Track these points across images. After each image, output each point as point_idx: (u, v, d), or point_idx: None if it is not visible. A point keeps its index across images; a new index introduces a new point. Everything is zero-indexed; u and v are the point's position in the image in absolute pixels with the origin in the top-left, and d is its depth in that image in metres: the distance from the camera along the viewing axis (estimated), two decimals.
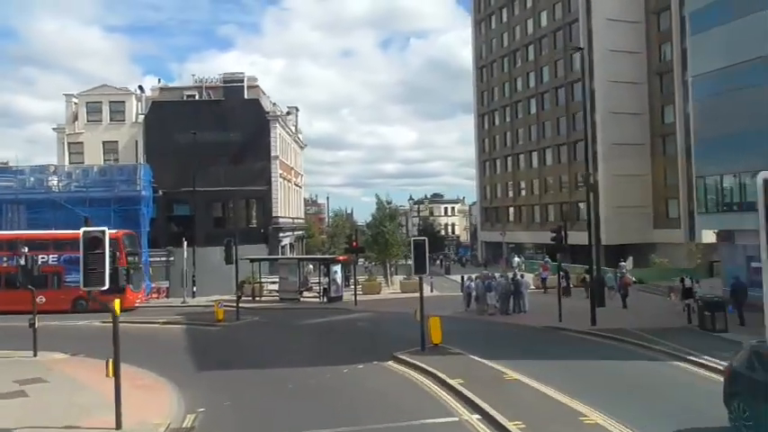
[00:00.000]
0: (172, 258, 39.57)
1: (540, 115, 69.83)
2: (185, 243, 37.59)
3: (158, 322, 28.07)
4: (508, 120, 76.22)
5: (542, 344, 21.64)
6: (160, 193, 40.47)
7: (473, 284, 29.27)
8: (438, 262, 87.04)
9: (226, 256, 27.68)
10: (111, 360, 11.95)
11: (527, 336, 23.48)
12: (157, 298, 38.97)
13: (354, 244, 33.28)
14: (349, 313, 31.35)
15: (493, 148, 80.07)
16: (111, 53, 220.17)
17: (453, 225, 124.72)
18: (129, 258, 34.20)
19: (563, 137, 65.83)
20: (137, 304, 34.42)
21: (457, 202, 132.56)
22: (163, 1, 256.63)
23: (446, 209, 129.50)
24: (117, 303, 12.12)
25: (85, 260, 11.37)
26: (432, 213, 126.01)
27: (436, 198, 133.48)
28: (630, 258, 50.86)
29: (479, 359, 17.98)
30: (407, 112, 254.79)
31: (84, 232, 11.59)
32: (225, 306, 29.19)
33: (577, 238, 64.56)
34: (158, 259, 39.67)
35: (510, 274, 30.90)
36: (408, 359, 18.27)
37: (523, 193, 74.02)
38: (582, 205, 64.67)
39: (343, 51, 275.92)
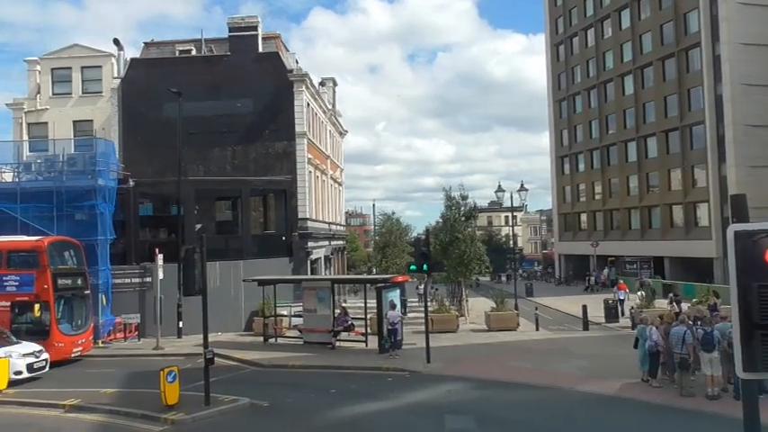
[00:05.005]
0: (149, 280, 26.63)
1: (640, 95, 55.46)
2: (160, 257, 24.51)
3: (64, 405, 14.77)
4: (594, 104, 62.07)
5: None
6: (131, 183, 27.46)
7: (655, 332, 15.13)
8: (504, 278, 73.64)
9: (183, 280, 14.29)
10: None
11: None
12: (124, 338, 26.07)
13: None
14: (427, 384, 16.49)
15: (574, 141, 65.82)
16: None
17: (516, 236, 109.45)
18: (63, 282, 21.38)
19: (673, 120, 51.26)
20: (75, 354, 21.59)
21: (519, 210, 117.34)
22: (196, 23, 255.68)
23: (506, 218, 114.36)
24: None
25: None
26: (490, 223, 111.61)
27: (493, 206, 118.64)
28: None
29: None
30: (443, 125, 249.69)
31: None
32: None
33: (695, 248, 51.36)
34: (128, 281, 26.81)
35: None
36: None
37: (616, 194, 59.27)
38: (702, 207, 50.35)
39: (369, 67, 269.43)
